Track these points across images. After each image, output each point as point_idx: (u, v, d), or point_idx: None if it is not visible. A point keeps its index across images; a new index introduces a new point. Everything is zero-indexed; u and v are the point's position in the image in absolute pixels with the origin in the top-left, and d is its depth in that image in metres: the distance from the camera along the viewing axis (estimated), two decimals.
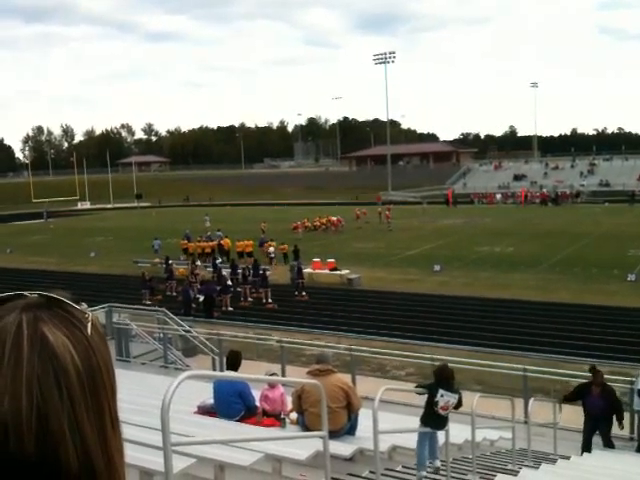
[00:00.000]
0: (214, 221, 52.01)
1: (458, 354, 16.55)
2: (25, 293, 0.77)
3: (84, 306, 0.80)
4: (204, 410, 7.67)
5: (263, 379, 7.79)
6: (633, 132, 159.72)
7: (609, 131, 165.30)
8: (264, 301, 26.55)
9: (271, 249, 35.67)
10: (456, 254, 36.10)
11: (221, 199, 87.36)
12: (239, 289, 27.36)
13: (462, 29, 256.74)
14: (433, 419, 7.47)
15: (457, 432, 8.70)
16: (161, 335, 16.88)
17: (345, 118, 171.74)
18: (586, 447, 10.43)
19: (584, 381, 10.91)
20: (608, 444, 10.55)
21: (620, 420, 10.33)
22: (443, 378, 7.55)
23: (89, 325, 0.76)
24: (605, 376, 14.01)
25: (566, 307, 23.52)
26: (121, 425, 0.80)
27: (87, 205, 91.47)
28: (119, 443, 0.79)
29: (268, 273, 27.63)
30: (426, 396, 7.54)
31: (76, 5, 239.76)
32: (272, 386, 7.93)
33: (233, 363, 7.70)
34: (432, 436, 7.64)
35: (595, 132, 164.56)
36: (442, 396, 7.31)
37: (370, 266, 32.89)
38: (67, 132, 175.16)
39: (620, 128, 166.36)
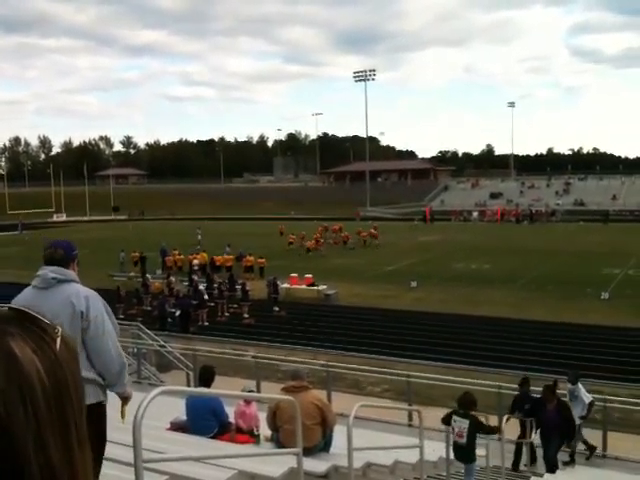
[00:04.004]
0: (189, 235, 51.76)
1: (434, 370, 16.61)
2: None
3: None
4: (177, 426, 7.59)
5: (237, 395, 7.74)
6: (608, 152, 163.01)
7: (584, 151, 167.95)
8: (244, 316, 26.42)
9: (195, 261, 35.82)
10: (433, 270, 36.29)
11: (195, 213, 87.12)
12: (212, 304, 27.15)
13: (440, 49, 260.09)
14: (456, 449, 7.95)
15: (431, 449, 8.72)
16: (135, 350, 16.69)
17: (325, 134, 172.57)
18: (550, 464, 10.02)
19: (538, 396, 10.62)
20: (554, 463, 9.99)
21: (570, 439, 10.08)
22: (460, 405, 8.09)
23: (58, 340, 0.75)
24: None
25: (541, 324, 23.72)
26: (88, 445, 0.79)
27: (63, 217, 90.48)
28: (86, 463, 0.78)
29: (248, 287, 27.50)
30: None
31: (55, 18, 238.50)
32: (248, 402, 7.88)
33: (205, 379, 7.63)
34: (465, 469, 8.04)
35: (570, 152, 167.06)
36: (455, 422, 7.80)
37: (348, 282, 32.91)
38: (44, 143, 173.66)
39: (595, 148, 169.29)
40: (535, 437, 10.64)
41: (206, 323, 25.57)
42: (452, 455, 8.30)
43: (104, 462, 4.54)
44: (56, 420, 0.72)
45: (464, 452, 7.87)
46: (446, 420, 8.25)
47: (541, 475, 9.91)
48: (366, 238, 50.44)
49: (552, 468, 9.84)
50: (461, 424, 7.73)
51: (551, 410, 9.96)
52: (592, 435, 12.09)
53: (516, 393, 11.15)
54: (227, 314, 26.98)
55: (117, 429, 5.48)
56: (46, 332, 0.75)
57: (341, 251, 46.70)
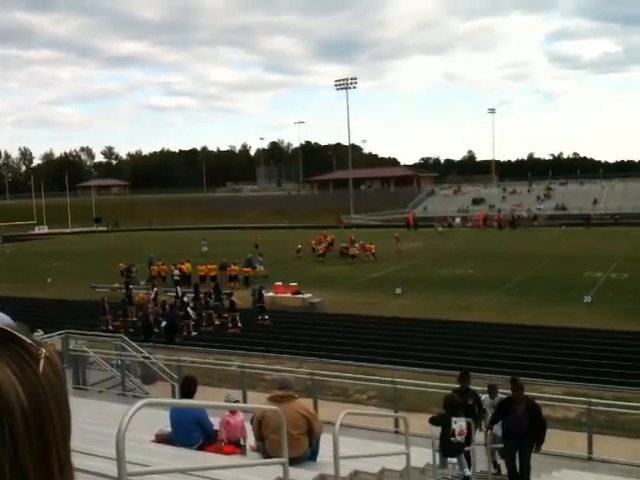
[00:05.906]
0: (169, 246, 51.54)
1: (420, 377, 16.62)
2: None
3: (40, 333, 0.77)
4: (162, 439, 7.53)
5: (222, 405, 7.71)
6: (588, 157, 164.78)
7: (565, 156, 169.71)
8: (229, 325, 26.27)
9: (176, 272, 35.59)
10: (418, 277, 36.38)
11: (178, 223, 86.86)
12: (195, 314, 26.94)
13: (421, 57, 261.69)
14: (452, 446, 8.72)
15: (419, 456, 8.74)
16: (119, 362, 16.56)
17: (307, 142, 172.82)
18: (514, 473, 9.21)
19: (504, 397, 10.05)
20: (527, 470, 9.10)
21: (540, 443, 9.10)
22: (452, 407, 8.77)
23: (42, 362, 0.73)
24: (562, 397, 14.22)
25: (526, 329, 23.83)
26: (73, 470, 0.76)
27: (45, 229, 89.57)
28: None
29: (234, 298, 27.34)
30: (440, 428, 8.82)
31: (35, 29, 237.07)
32: (233, 412, 7.84)
33: (188, 390, 7.58)
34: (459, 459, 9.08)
35: (551, 157, 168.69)
36: (456, 423, 8.64)
37: (333, 289, 32.91)
38: (25, 155, 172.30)
39: (575, 153, 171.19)
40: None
41: (194, 333, 25.43)
42: (439, 457, 8.89)
43: (89, 476, 4.51)
44: (36, 444, 0.70)
45: (459, 446, 8.80)
46: (438, 421, 8.89)
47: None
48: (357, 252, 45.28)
49: (527, 476, 9.04)
50: (462, 424, 8.69)
51: (521, 412, 9.03)
52: (578, 437, 12.19)
53: (457, 386, 10.44)
54: (217, 323, 26.83)
55: (101, 442, 5.45)
56: (29, 352, 0.72)
57: (326, 259, 46.61)
